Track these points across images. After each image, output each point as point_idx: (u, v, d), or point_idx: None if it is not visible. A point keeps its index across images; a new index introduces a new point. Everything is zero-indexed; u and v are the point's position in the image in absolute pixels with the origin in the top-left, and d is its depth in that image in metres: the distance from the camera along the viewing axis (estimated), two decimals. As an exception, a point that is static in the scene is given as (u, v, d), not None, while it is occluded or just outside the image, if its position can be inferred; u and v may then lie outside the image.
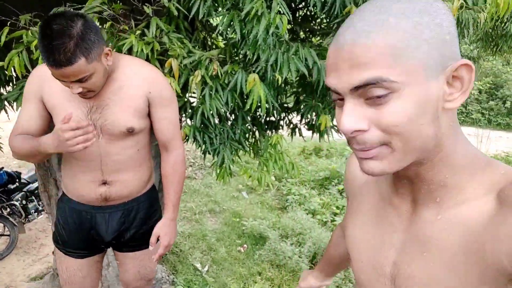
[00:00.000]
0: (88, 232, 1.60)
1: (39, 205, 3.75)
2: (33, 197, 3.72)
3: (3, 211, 3.59)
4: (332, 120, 1.89)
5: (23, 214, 3.61)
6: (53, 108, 1.40)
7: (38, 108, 1.41)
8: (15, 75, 1.93)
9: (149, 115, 1.48)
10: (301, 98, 2.00)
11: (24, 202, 3.65)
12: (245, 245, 3.70)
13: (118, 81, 1.39)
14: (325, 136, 2.01)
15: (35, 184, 3.67)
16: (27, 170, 4.22)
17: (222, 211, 4.45)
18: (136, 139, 1.48)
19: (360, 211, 0.71)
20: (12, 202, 3.57)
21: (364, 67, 0.49)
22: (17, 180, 3.69)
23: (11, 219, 3.49)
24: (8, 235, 3.48)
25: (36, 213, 3.75)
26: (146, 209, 1.64)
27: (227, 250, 3.63)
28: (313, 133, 2.09)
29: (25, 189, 3.71)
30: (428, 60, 0.49)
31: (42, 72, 1.39)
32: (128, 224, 1.61)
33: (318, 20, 2.13)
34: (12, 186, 3.63)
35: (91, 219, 1.57)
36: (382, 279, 0.64)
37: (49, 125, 1.45)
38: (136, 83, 1.40)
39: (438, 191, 0.57)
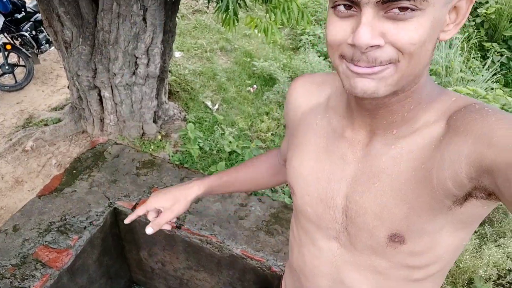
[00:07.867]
0: None
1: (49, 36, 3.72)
2: (42, 28, 3.64)
3: (15, 41, 3.60)
4: None
5: (35, 45, 3.62)
6: None
7: None
8: None
9: None
10: None
11: (34, 32, 3.61)
12: (254, 86, 3.78)
13: None
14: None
15: (42, 14, 3.57)
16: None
17: (233, 49, 4.40)
18: None
19: (307, 144, 0.68)
20: (21, 32, 3.53)
21: None
22: (23, 9, 3.58)
23: (23, 50, 3.53)
24: (24, 66, 3.58)
25: (47, 44, 3.74)
26: None
27: (237, 90, 3.73)
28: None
29: (32, 19, 3.62)
30: None
31: None
32: None
33: None
34: (19, 16, 3.55)
35: None
36: (331, 211, 0.65)
37: None
38: None
39: (398, 122, 0.57)
